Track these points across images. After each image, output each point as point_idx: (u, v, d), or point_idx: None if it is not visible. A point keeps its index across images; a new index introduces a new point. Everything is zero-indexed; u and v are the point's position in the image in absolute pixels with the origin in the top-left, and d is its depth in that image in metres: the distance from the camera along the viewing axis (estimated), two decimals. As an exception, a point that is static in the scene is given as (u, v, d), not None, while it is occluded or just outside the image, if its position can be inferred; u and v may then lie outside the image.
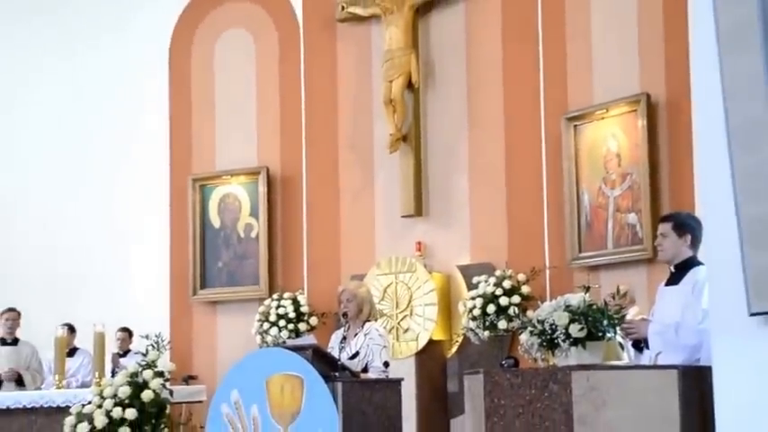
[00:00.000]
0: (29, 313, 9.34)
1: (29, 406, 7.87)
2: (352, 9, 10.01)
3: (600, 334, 4.91)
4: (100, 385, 7.22)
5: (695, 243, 5.23)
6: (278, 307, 9.87)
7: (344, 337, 6.50)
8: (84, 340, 9.19)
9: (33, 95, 11.33)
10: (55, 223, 11.08)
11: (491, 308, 8.68)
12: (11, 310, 9.22)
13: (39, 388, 8.83)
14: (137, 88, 11.03)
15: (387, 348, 6.49)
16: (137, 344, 9.17)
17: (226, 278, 10.54)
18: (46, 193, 11.17)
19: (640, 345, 5.31)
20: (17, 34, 11.37)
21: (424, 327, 9.22)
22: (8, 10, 11.40)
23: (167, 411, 7.14)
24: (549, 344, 4.96)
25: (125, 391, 6.93)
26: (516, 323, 8.38)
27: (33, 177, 11.24)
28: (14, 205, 11.17)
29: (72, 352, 9.44)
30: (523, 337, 5.15)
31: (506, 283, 8.78)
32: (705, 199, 4.23)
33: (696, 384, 4.62)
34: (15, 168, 11.30)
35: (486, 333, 8.77)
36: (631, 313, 6.70)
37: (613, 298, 5.14)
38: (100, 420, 6.87)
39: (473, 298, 8.84)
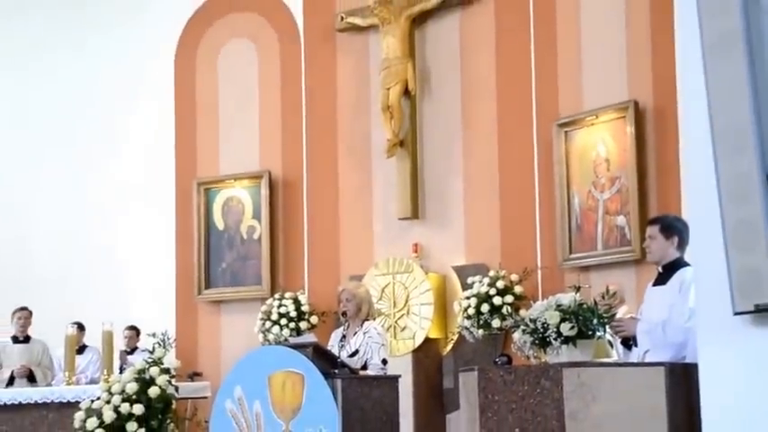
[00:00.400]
0: (40, 312, 9.40)
1: (40, 401, 7.98)
2: (351, 19, 10.06)
3: (590, 332, 4.98)
4: (108, 381, 7.34)
5: (682, 245, 5.28)
6: (279, 306, 9.89)
7: (344, 336, 6.56)
8: (93, 338, 9.27)
9: (41, 99, 11.34)
10: (65, 226, 11.09)
11: (485, 307, 8.73)
12: (23, 309, 9.29)
13: (50, 384, 8.91)
14: (144, 95, 11.10)
15: (385, 346, 6.55)
16: (144, 342, 9.20)
17: (229, 278, 10.58)
18: (55, 196, 11.19)
19: (629, 342, 5.37)
20: (22, 38, 11.39)
21: (421, 325, 9.26)
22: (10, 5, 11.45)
23: (173, 407, 7.24)
24: (541, 342, 5.02)
25: (132, 388, 7.05)
26: (509, 322, 8.33)
27: (43, 180, 11.26)
28: (25, 207, 11.20)
29: (81, 349, 9.49)
30: (516, 335, 5.19)
31: (500, 284, 8.83)
32: (691, 202, 4.25)
33: (683, 381, 4.70)
34: (25, 171, 11.32)
35: (481, 331, 8.82)
36: (621, 312, 6.70)
37: (603, 298, 5.20)
38: (108, 415, 6.99)
39: (468, 297, 8.89)
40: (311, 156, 10.39)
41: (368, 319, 6.65)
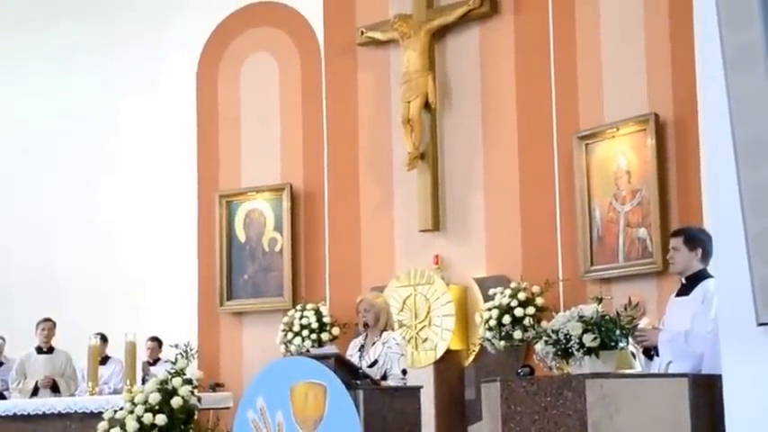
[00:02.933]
0: (64, 324, 9.52)
1: (64, 412, 8.06)
2: (371, 34, 10.13)
3: (612, 343, 4.99)
4: (131, 392, 7.39)
5: (706, 256, 5.32)
6: (301, 317, 9.93)
7: (363, 346, 6.59)
8: (116, 349, 9.32)
9: (62, 112, 11.46)
10: (87, 238, 11.20)
11: (507, 319, 8.74)
12: (47, 320, 9.41)
13: (73, 395, 9.00)
14: (166, 108, 11.21)
15: (404, 356, 6.59)
16: (166, 353, 9.27)
17: (251, 290, 10.63)
18: (78, 208, 11.29)
19: (651, 352, 5.41)
20: (43, 51, 11.51)
21: (442, 337, 9.28)
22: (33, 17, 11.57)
23: (195, 417, 7.26)
24: (564, 353, 5.05)
25: (155, 398, 7.07)
26: (531, 333, 8.40)
27: (65, 192, 11.36)
28: (48, 219, 11.31)
29: (104, 360, 9.56)
30: (539, 346, 5.22)
31: (521, 295, 8.83)
32: (713, 213, 4.26)
33: (706, 392, 4.72)
34: (48, 183, 11.44)
35: (502, 343, 8.81)
36: (642, 324, 6.62)
37: (625, 309, 5.21)
38: (131, 426, 7.02)
39: (489, 309, 8.90)
40: (332, 168, 10.45)
41: (386, 330, 6.68)
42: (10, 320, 10.38)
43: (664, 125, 8.34)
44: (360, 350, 6.57)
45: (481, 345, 9.11)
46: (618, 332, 5.04)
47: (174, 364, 7.32)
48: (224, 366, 10.57)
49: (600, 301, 5.21)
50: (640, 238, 8.43)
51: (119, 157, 11.40)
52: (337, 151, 10.44)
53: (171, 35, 11.22)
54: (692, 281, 5.36)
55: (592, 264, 8.72)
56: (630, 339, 5.27)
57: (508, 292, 8.94)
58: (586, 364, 4.99)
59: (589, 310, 5.13)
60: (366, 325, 6.68)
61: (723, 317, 4.17)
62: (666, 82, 8.31)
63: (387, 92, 10.14)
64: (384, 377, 6.45)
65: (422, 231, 9.75)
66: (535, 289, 8.92)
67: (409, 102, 9.69)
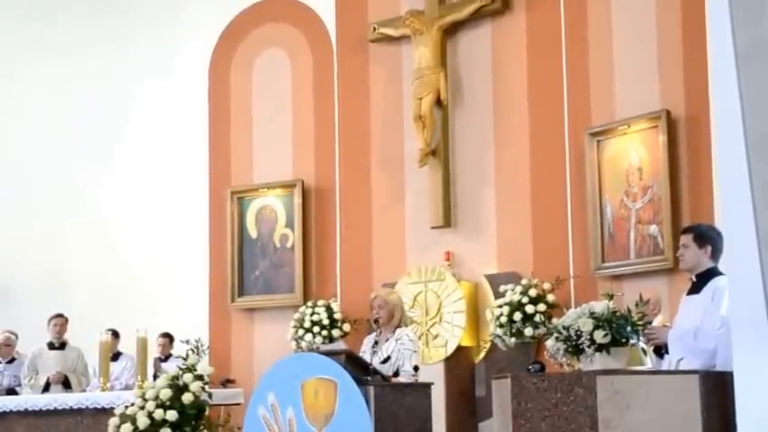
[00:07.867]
0: (75, 319, 9.51)
1: (75, 407, 8.08)
2: (383, 30, 10.15)
3: (623, 340, 5.00)
4: (142, 388, 7.35)
5: (716, 254, 5.31)
6: (312, 314, 9.96)
7: (376, 342, 6.60)
8: (127, 345, 9.42)
9: (75, 108, 11.50)
10: (100, 234, 11.25)
11: (517, 315, 8.75)
12: (59, 315, 9.39)
13: (84, 390, 9.01)
14: (178, 105, 11.26)
15: (417, 353, 6.58)
16: (177, 349, 9.26)
17: (262, 286, 10.66)
18: (90, 204, 11.35)
19: (661, 350, 5.40)
20: (54, 47, 11.54)
21: (453, 333, 9.30)
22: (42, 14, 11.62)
23: (206, 413, 7.24)
24: (575, 349, 5.04)
25: (166, 394, 7.05)
26: (542, 330, 8.44)
27: (78, 189, 11.40)
28: (60, 215, 11.34)
29: (116, 356, 9.64)
30: (549, 342, 5.21)
31: (532, 292, 8.84)
32: (725, 210, 4.31)
33: (717, 388, 4.74)
34: (60, 178, 11.47)
35: (513, 340, 8.82)
36: (656, 321, 6.77)
37: (636, 306, 5.21)
38: (142, 421, 6.99)
39: (500, 306, 8.91)
40: (344, 165, 10.47)
41: (400, 326, 6.67)
42: (21, 317, 10.43)
43: (675, 122, 8.33)
44: (373, 346, 6.58)
45: (492, 341, 9.11)
46: (629, 328, 5.03)
47: (186, 360, 7.31)
48: (235, 362, 10.60)
49: (611, 297, 5.20)
50: (651, 235, 8.43)
51: (130, 152, 11.45)
52: (349, 147, 10.45)
53: (183, 32, 11.26)
54: (702, 278, 5.36)
55: (603, 261, 8.73)
56: (641, 337, 5.26)
57: (519, 288, 8.95)
58: (597, 361, 4.99)
59: (600, 306, 5.12)
60: (377, 321, 6.67)
61: (735, 313, 4.18)
62: (678, 78, 8.30)
63: (398, 88, 10.15)
64: (396, 373, 6.45)
65: (433, 228, 9.76)
66: (546, 286, 8.92)
67: (421, 98, 9.69)
